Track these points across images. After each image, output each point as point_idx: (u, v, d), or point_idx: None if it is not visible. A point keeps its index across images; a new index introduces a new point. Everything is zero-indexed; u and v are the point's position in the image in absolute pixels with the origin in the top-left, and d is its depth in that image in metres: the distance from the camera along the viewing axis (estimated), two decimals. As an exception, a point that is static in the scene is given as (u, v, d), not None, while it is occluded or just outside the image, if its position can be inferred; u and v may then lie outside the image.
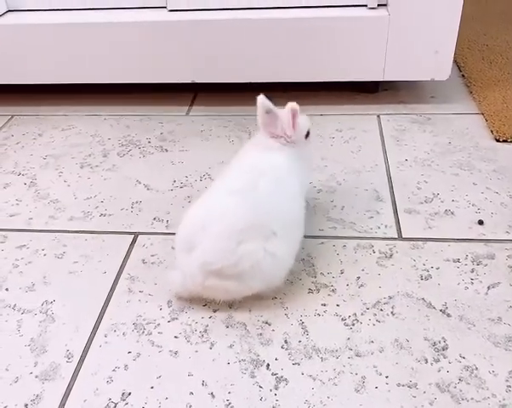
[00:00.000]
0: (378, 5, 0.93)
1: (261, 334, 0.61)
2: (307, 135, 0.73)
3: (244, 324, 0.62)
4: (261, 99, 0.67)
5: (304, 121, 0.72)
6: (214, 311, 0.64)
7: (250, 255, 0.61)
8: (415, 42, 0.94)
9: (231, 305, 0.65)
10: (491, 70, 1.12)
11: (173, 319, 0.63)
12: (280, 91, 1.09)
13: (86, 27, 1.00)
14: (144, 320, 0.63)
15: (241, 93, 1.10)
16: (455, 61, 1.19)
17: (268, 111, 0.67)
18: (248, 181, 0.64)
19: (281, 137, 0.68)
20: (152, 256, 0.72)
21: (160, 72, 1.04)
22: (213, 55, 1.01)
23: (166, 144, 0.98)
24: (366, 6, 0.93)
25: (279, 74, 1.02)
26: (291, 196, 0.66)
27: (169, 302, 0.65)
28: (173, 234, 0.67)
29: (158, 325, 0.62)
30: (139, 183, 0.88)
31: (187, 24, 0.98)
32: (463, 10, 1.47)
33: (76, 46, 1.02)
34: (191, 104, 1.12)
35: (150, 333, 0.61)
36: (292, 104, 0.67)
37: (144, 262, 0.72)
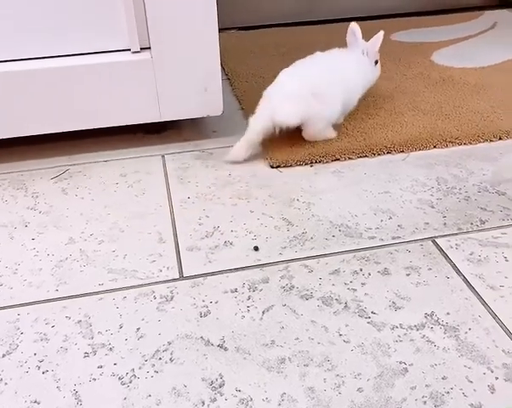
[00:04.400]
0: (142, 48, 0.93)
1: (28, 417, 0.55)
2: (376, 62, 1.10)
3: (8, 410, 0.56)
4: (352, 24, 1.07)
5: (378, 54, 1.10)
6: (-27, 403, 0.57)
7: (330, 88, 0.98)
8: (184, 82, 0.96)
9: (-6, 391, 0.58)
10: (266, 100, 1.20)
11: None
12: (61, 141, 1.05)
13: None
14: None
15: (18, 147, 1.02)
16: (235, 95, 1.26)
17: (352, 33, 1.07)
18: (330, 59, 1.05)
19: (361, 51, 1.07)
20: None
21: None
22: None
23: None
24: (130, 50, 0.93)
25: (52, 125, 0.96)
26: (355, 73, 1.05)
27: None
28: None
29: None
30: None
31: None
32: (244, 45, 1.57)
33: None
34: (-41, 167, 1.01)
35: None
36: (381, 31, 1.07)
37: None
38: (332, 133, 1.04)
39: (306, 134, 1.01)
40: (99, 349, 0.62)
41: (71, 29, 0.92)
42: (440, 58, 1.40)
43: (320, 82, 0.97)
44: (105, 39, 0.94)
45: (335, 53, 1.07)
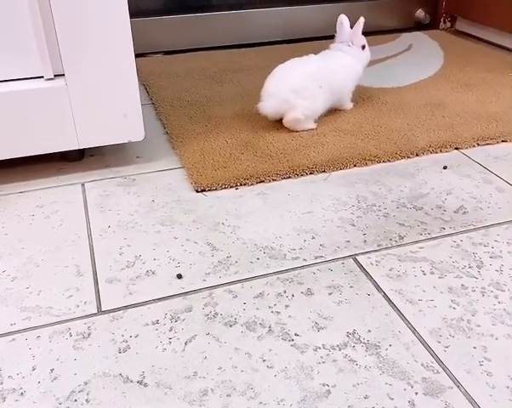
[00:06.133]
0: (56, 75, 0.90)
1: None
2: (363, 47, 1.24)
3: None
4: (341, 16, 1.22)
5: (363, 37, 1.23)
6: None
7: (312, 88, 1.12)
8: (101, 108, 0.93)
9: None
10: (191, 124, 1.19)
11: None
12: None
13: None
14: None
15: None
16: (160, 119, 1.24)
17: (340, 23, 1.22)
18: (322, 56, 1.21)
19: (347, 42, 1.22)
20: None
21: None
22: None
23: None
24: (43, 77, 0.90)
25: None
26: (342, 75, 1.21)
27: None
28: None
29: None
30: None
31: None
32: (169, 69, 1.56)
33: None
34: None
35: None
36: (361, 18, 1.20)
37: None
38: (311, 125, 1.16)
39: (285, 122, 1.14)
40: (9, 395, 0.58)
41: (-22, 55, 0.88)
42: (360, 79, 1.45)
43: (299, 82, 1.11)
44: (18, 67, 0.90)
45: (324, 55, 1.21)
